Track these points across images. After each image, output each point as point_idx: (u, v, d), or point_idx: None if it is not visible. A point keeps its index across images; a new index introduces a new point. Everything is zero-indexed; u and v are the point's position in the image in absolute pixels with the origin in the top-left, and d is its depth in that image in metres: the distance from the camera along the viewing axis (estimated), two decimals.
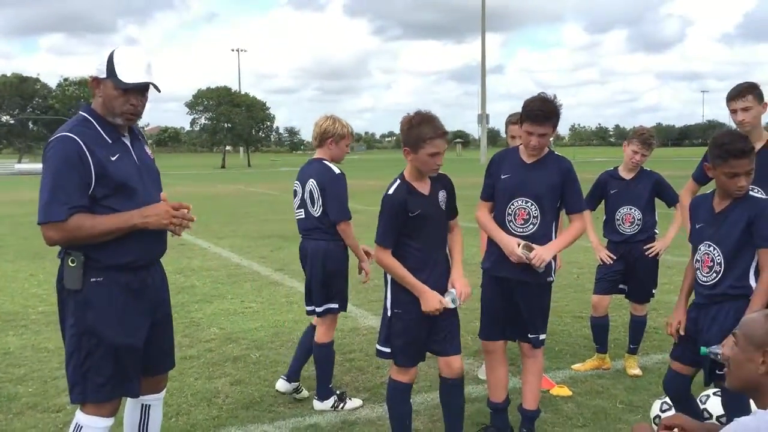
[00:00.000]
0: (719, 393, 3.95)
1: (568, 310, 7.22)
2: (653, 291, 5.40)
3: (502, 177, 4.05)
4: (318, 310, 4.62)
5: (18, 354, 5.87)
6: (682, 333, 3.56)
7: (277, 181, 35.29)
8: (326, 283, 4.56)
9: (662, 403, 4.14)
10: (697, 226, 3.50)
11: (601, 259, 5.28)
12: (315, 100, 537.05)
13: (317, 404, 4.63)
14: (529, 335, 3.99)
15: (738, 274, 3.32)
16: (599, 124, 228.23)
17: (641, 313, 5.39)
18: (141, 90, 2.99)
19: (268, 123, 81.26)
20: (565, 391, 4.85)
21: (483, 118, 63.60)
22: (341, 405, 4.61)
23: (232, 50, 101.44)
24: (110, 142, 2.96)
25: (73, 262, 2.90)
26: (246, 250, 11.61)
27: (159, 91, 3.09)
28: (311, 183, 4.59)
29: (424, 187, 3.68)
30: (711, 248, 3.38)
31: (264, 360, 5.68)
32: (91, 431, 3.03)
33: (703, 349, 3.24)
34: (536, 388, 4.12)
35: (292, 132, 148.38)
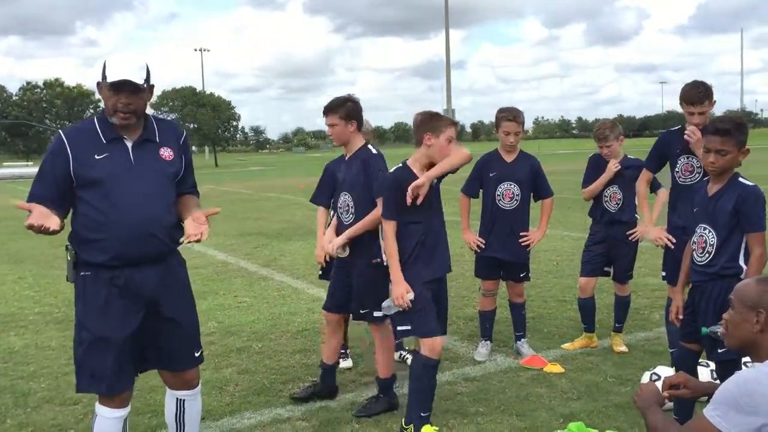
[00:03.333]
0: (703, 363, 4.29)
1: (551, 295, 7.54)
2: (628, 273, 5.71)
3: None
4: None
5: (24, 353, 5.98)
6: (681, 317, 3.82)
7: (248, 180, 35.22)
8: None
9: (651, 374, 4.45)
10: (694, 210, 3.78)
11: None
12: (279, 99, 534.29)
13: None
14: (360, 311, 4.49)
15: (729, 255, 3.55)
16: (562, 116, 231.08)
17: (625, 294, 5.72)
18: (131, 89, 3.04)
19: (234, 122, 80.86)
20: (557, 369, 5.14)
21: (449, 113, 64.03)
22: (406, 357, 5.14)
23: (195, 50, 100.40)
24: (104, 141, 3.10)
25: (69, 256, 3.12)
26: (230, 248, 11.75)
27: (142, 87, 3.10)
28: None
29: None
30: (705, 230, 3.64)
31: (266, 350, 5.88)
32: (102, 420, 3.22)
33: (704, 329, 3.49)
34: (382, 358, 4.53)
35: (257, 131, 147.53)
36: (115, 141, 3.12)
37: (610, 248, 5.60)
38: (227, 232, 13.83)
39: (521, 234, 5.36)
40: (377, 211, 4.24)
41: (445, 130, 3.95)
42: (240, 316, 7.07)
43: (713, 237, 3.59)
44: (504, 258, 5.39)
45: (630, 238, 5.51)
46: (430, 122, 3.98)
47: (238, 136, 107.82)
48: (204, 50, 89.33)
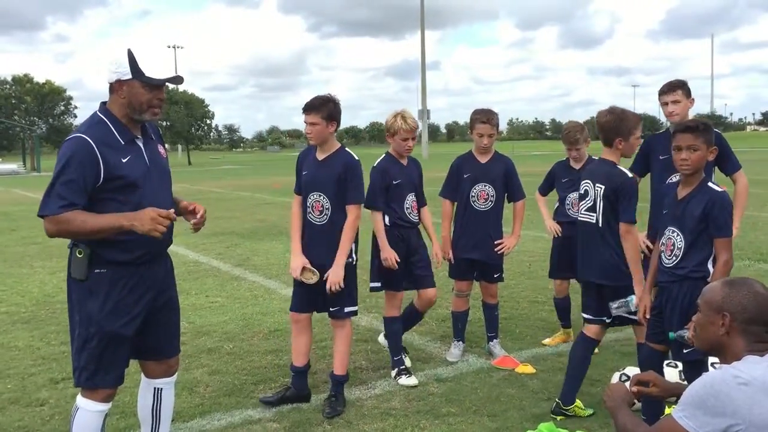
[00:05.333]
0: (671, 364, 4.35)
1: (524, 296, 7.59)
2: None
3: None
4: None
5: None
6: (647, 317, 3.88)
7: (221, 179, 34.98)
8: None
9: (621, 375, 4.50)
10: (663, 212, 3.83)
11: (553, 231, 5.78)
12: (253, 97, 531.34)
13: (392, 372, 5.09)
14: (331, 308, 4.54)
15: (698, 260, 3.60)
16: (536, 118, 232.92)
17: None
18: (163, 84, 3.14)
19: (208, 120, 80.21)
20: (529, 369, 5.17)
21: (424, 113, 64.28)
22: (397, 378, 5.01)
23: (168, 47, 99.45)
24: (123, 143, 3.10)
25: (80, 253, 3.07)
26: (201, 247, 11.64)
27: (182, 83, 3.22)
28: None
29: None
30: (674, 233, 3.69)
31: (238, 350, 5.84)
32: (85, 413, 3.21)
33: (671, 334, 3.53)
34: (344, 355, 4.63)
35: (231, 129, 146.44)
36: (131, 141, 3.14)
37: (574, 248, 5.66)
38: (200, 231, 13.67)
39: (496, 242, 5.38)
40: (351, 220, 4.42)
41: (634, 132, 4.13)
42: (211, 316, 7.01)
43: (681, 240, 3.64)
44: (478, 258, 5.41)
45: None
46: (621, 126, 4.10)
47: (211, 134, 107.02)
48: (177, 47, 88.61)
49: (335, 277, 4.37)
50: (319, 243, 4.47)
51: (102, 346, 3.11)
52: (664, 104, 4.73)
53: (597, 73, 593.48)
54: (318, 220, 4.48)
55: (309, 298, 4.58)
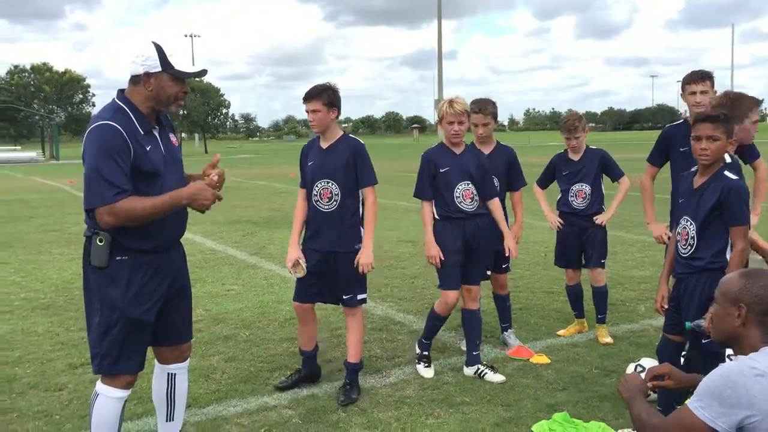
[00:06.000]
0: (685, 356, 4.32)
1: (538, 287, 7.57)
2: (602, 260, 5.74)
3: None
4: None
5: (9, 338, 5.95)
6: (665, 307, 3.87)
7: (238, 168, 35.10)
8: None
9: (636, 366, 4.48)
10: (679, 201, 3.80)
11: (554, 226, 5.77)
12: (270, 87, 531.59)
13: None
14: (344, 297, 4.54)
15: (715, 249, 3.57)
16: (553, 108, 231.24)
17: (600, 284, 5.73)
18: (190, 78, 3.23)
19: (224, 110, 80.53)
20: (543, 359, 5.17)
21: (440, 103, 63.95)
22: (416, 362, 5.01)
23: (186, 35, 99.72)
24: (143, 133, 3.12)
25: (101, 241, 3.08)
26: (218, 235, 11.71)
27: (205, 75, 3.32)
28: None
29: None
30: (688, 222, 3.66)
31: (254, 338, 5.88)
32: (105, 400, 3.24)
33: (688, 324, 3.50)
34: (358, 343, 4.64)
35: (248, 118, 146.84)
36: (149, 131, 3.17)
37: (579, 237, 5.69)
38: (216, 219, 13.78)
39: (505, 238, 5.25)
40: (371, 202, 4.44)
41: (749, 115, 4.08)
42: (228, 304, 7.06)
43: (694, 230, 3.61)
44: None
45: (597, 222, 5.63)
46: (732, 111, 3.88)
47: (228, 123, 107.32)
48: (194, 36, 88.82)
49: (367, 259, 4.40)
50: (330, 230, 4.48)
51: (125, 332, 3.15)
52: (691, 93, 4.64)
53: (615, 63, 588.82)
54: (327, 207, 4.48)
55: (314, 289, 4.59)
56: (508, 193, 5.50)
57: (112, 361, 3.17)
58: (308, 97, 4.44)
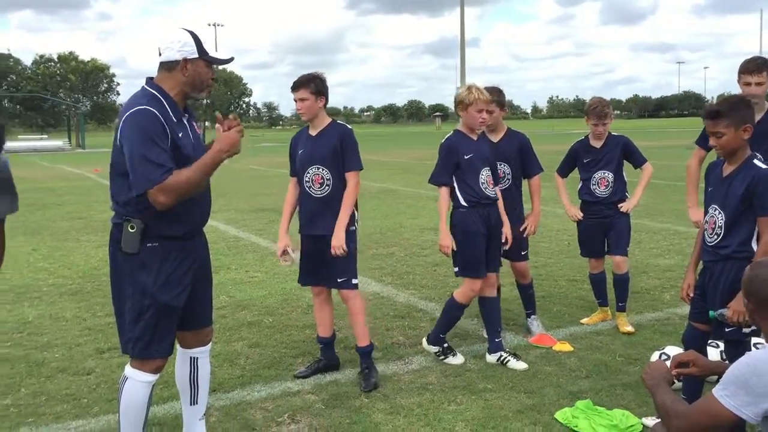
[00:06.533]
0: (713, 344, 4.29)
1: (561, 275, 7.54)
2: (626, 247, 5.68)
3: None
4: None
5: (37, 323, 6.06)
6: (691, 295, 3.84)
7: (261, 156, 35.25)
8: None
9: (660, 354, 4.45)
10: (708, 189, 3.76)
11: (575, 218, 5.74)
12: (292, 75, 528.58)
13: (424, 343, 5.06)
14: (338, 280, 4.58)
15: (741, 239, 3.53)
16: (577, 96, 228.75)
17: (622, 271, 5.67)
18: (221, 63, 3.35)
19: (246, 98, 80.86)
20: (566, 347, 5.16)
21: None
22: (442, 357, 4.97)
23: (209, 24, 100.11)
24: (175, 120, 3.17)
25: (132, 228, 3.13)
26: (242, 223, 11.80)
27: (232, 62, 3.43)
28: None
29: None
30: (716, 211, 3.62)
31: (277, 324, 5.93)
32: (134, 384, 3.29)
33: (712, 313, 3.49)
34: (362, 326, 4.66)
35: (270, 107, 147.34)
36: (180, 120, 3.21)
37: (602, 224, 5.63)
38: (239, 207, 13.88)
39: (521, 228, 5.34)
40: (352, 187, 4.49)
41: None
42: (251, 290, 7.13)
43: (722, 218, 3.57)
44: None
45: (621, 209, 5.55)
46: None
47: (250, 112, 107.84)
48: (218, 25, 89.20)
49: (337, 241, 4.43)
50: (324, 214, 4.53)
51: (157, 317, 3.20)
52: (746, 84, 4.60)
53: (640, 50, 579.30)
54: (319, 192, 4.53)
55: (312, 270, 4.69)
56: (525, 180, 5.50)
57: (144, 345, 3.23)
58: (296, 86, 4.52)
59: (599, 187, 5.57)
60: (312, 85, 4.48)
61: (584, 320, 5.83)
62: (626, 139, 5.66)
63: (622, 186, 5.60)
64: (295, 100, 4.56)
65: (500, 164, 5.27)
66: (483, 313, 5.08)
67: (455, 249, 4.82)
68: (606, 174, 5.55)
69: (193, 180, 3.08)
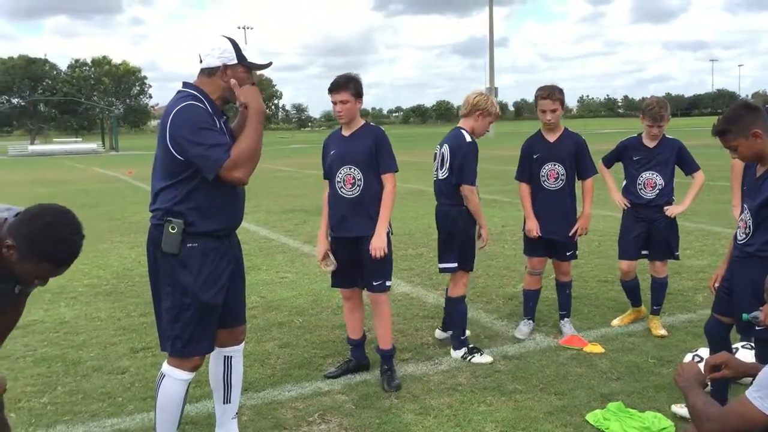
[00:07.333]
0: (747, 346, 4.24)
1: (592, 276, 7.48)
2: (675, 252, 5.59)
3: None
4: (440, 266, 5.19)
5: (74, 323, 6.18)
6: (717, 285, 3.85)
7: (290, 158, 35.49)
8: (445, 243, 5.11)
9: (693, 356, 4.40)
10: (744, 188, 3.73)
11: (621, 205, 5.61)
12: (321, 77, 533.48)
13: (452, 352, 5.12)
14: (374, 283, 4.54)
15: (766, 238, 3.49)
16: (607, 95, 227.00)
17: (662, 275, 5.61)
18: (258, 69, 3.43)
19: (276, 100, 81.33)
20: (598, 349, 5.11)
21: (492, 91, 63.39)
22: (470, 357, 5.00)
23: (239, 28, 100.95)
24: (215, 120, 3.24)
25: (173, 228, 3.20)
26: (272, 224, 11.89)
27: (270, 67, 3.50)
28: (444, 147, 5.07)
29: None
30: (747, 210, 3.59)
31: (307, 325, 5.97)
32: (171, 381, 3.36)
33: (745, 316, 3.40)
34: (388, 330, 4.69)
35: (299, 109, 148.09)
36: (217, 122, 3.26)
37: (646, 229, 5.52)
38: (270, 208, 13.99)
39: (573, 229, 5.36)
40: (390, 189, 4.49)
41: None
42: (282, 291, 7.19)
43: (749, 217, 3.55)
44: (551, 237, 5.36)
45: (666, 213, 5.42)
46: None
47: (280, 114, 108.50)
48: (247, 28, 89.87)
49: (379, 242, 4.43)
50: (356, 215, 4.51)
51: (197, 315, 3.27)
52: None
53: (672, 48, 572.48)
54: (350, 193, 4.50)
55: (344, 273, 4.66)
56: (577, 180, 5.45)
57: (183, 344, 3.29)
58: (336, 88, 4.46)
59: (645, 189, 5.44)
60: (352, 86, 4.45)
61: (615, 321, 5.78)
62: (680, 143, 5.50)
63: (669, 190, 5.44)
64: (334, 102, 4.50)
65: (554, 164, 5.27)
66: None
67: (457, 244, 5.01)
68: (654, 176, 5.41)
69: (253, 143, 3.18)
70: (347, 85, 4.45)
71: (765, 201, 3.46)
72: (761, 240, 3.53)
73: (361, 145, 4.49)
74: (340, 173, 4.52)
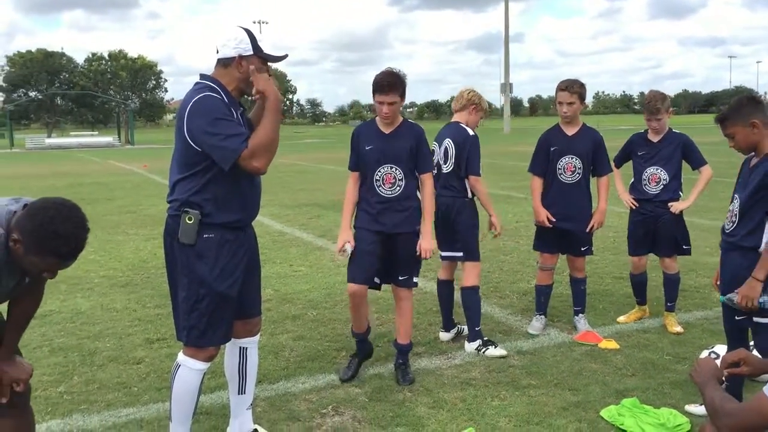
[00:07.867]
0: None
1: (607, 272, 7.45)
2: (684, 247, 5.54)
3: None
4: (444, 254, 5.22)
5: (90, 314, 6.23)
6: (718, 283, 3.86)
7: (304, 152, 35.54)
8: (449, 233, 5.12)
9: (710, 353, 4.37)
10: (738, 180, 3.76)
11: (628, 204, 5.60)
12: (335, 72, 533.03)
13: (466, 345, 5.13)
14: (400, 278, 4.54)
15: (750, 228, 3.54)
16: (623, 91, 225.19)
17: (673, 271, 5.57)
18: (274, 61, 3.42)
19: (290, 95, 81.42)
20: (613, 345, 5.09)
21: (507, 87, 63.14)
22: (484, 350, 5.00)
23: (254, 22, 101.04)
24: (233, 111, 3.25)
25: (190, 219, 3.22)
26: (285, 218, 11.92)
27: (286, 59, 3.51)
28: (447, 142, 5.06)
29: None
30: (735, 200, 3.66)
31: (321, 318, 5.99)
32: (187, 371, 3.38)
33: (721, 297, 3.58)
34: (409, 325, 4.71)
35: (314, 104, 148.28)
36: (234, 113, 3.27)
37: (653, 225, 5.49)
38: (283, 202, 14.03)
39: (588, 224, 5.35)
40: (430, 188, 4.48)
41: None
42: (295, 284, 7.20)
43: (737, 206, 3.61)
44: (566, 228, 5.33)
45: (671, 209, 5.38)
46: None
47: (294, 108, 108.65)
48: (262, 22, 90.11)
49: (428, 244, 4.44)
50: (392, 213, 4.46)
51: (213, 306, 3.29)
52: None
53: (689, 44, 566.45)
54: (390, 192, 4.45)
55: (372, 269, 4.48)
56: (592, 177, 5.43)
57: (199, 334, 3.31)
58: (387, 89, 4.30)
59: (649, 184, 5.43)
60: (401, 87, 4.35)
61: (621, 318, 5.76)
62: (687, 137, 5.47)
63: (675, 186, 5.41)
64: (381, 103, 4.34)
65: (571, 157, 5.26)
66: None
67: (461, 234, 5.04)
68: (658, 171, 5.39)
69: (270, 133, 3.17)
70: (397, 86, 4.33)
71: (755, 189, 3.51)
72: (744, 230, 3.58)
73: (403, 145, 4.43)
74: (380, 171, 4.44)
